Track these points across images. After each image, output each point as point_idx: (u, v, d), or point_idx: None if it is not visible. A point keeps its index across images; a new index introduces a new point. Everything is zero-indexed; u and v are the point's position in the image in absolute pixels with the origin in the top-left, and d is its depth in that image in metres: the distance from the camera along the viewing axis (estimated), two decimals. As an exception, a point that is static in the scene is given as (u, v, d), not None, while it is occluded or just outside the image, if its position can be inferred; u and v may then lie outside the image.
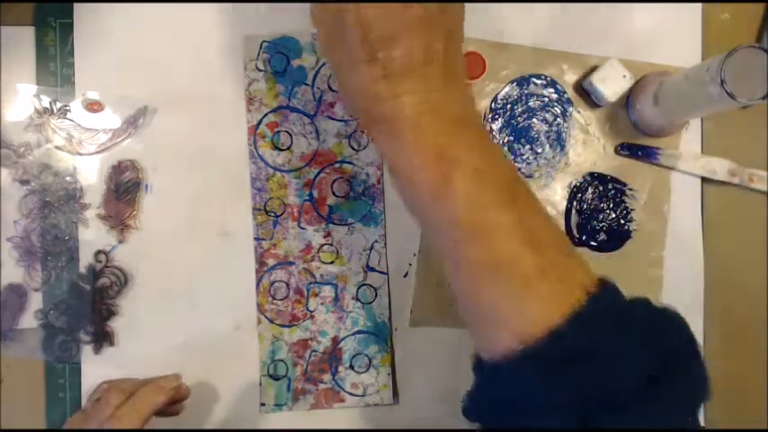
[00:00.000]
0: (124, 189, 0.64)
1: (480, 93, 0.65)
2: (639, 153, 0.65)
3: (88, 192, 0.64)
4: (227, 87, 0.64)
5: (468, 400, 0.46)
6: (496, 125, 0.65)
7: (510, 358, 0.41)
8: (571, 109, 0.66)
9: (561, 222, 0.66)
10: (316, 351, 0.65)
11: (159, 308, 0.65)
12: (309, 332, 0.65)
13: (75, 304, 0.64)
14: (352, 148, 0.65)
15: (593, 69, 0.64)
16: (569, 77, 0.66)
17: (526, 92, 0.66)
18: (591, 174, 0.66)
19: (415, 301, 0.66)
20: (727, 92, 0.50)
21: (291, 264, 0.65)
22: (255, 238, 0.65)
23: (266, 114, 0.65)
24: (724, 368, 0.66)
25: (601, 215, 0.66)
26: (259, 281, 0.65)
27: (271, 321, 0.65)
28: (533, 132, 0.66)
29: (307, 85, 0.65)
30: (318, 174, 0.65)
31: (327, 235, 0.65)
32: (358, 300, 0.66)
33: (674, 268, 0.66)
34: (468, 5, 0.64)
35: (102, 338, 0.64)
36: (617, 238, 0.66)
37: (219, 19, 0.64)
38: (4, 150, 0.63)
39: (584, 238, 0.66)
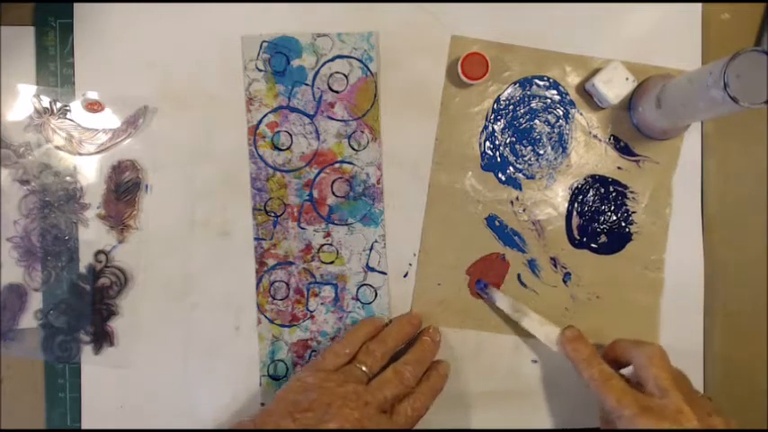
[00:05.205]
0: (124, 189, 0.64)
1: (483, 94, 0.65)
2: None
3: (88, 192, 0.64)
4: (227, 87, 0.64)
5: None
6: (499, 126, 0.65)
7: None
8: (573, 111, 0.65)
9: (562, 224, 0.66)
10: (316, 351, 0.65)
11: (159, 308, 0.65)
12: (309, 332, 0.65)
13: (75, 304, 0.64)
14: (352, 148, 0.65)
15: (596, 71, 0.64)
16: (572, 79, 0.65)
17: (529, 93, 0.65)
18: (592, 176, 0.66)
19: (415, 300, 0.66)
20: (730, 96, 0.50)
21: (291, 264, 0.65)
22: (255, 238, 0.65)
23: (266, 114, 0.64)
24: (724, 368, 0.66)
25: (602, 217, 0.66)
26: (259, 281, 0.65)
27: (271, 321, 0.65)
28: (535, 134, 0.65)
29: (307, 85, 0.64)
30: (318, 174, 0.65)
31: (327, 235, 0.65)
32: (358, 300, 0.66)
33: (674, 270, 0.66)
34: (471, 5, 0.65)
35: (102, 338, 0.64)
36: (618, 240, 0.66)
37: (219, 19, 0.64)
38: (4, 150, 0.63)
39: (584, 239, 0.66)
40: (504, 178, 0.66)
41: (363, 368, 0.60)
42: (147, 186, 0.64)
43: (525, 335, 0.66)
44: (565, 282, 0.66)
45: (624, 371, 0.59)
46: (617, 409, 0.54)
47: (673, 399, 0.53)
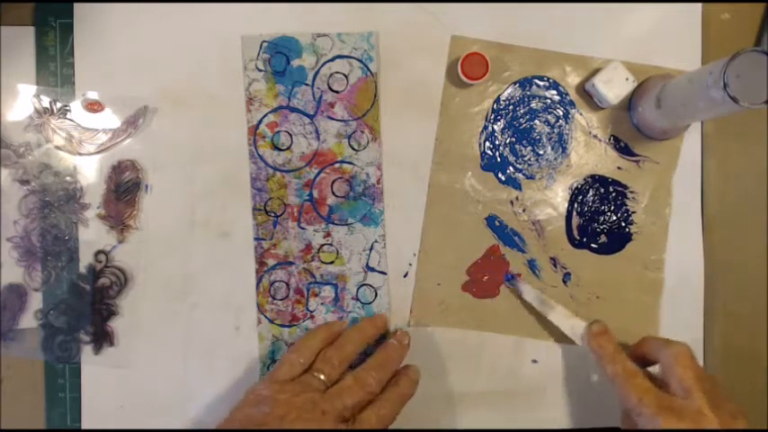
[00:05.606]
0: (124, 189, 0.64)
1: (483, 94, 0.65)
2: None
3: (88, 192, 0.64)
4: (227, 87, 0.64)
5: None
6: (498, 126, 0.65)
7: None
8: (573, 111, 0.65)
9: (562, 224, 0.66)
10: (315, 351, 0.65)
11: (159, 308, 0.65)
12: (309, 332, 0.66)
13: (75, 304, 0.64)
14: (352, 148, 0.65)
15: (596, 71, 0.64)
16: (572, 79, 0.65)
17: (529, 93, 0.65)
18: (592, 176, 0.66)
19: (415, 301, 0.66)
20: (729, 96, 0.50)
21: (291, 264, 0.65)
22: (255, 238, 0.65)
23: (266, 114, 0.64)
24: (724, 369, 0.66)
25: (602, 217, 0.66)
26: (259, 281, 0.65)
27: (271, 321, 0.65)
28: (535, 134, 0.65)
29: (307, 85, 0.64)
30: (318, 174, 0.65)
31: (327, 235, 0.65)
32: (358, 300, 0.66)
33: (674, 270, 0.66)
34: (471, 5, 0.65)
35: (102, 338, 0.64)
36: (618, 240, 0.66)
37: (219, 19, 0.64)
38: (4, 150, 0.63)
39: (584, 239, 0.66)
40: (503, 178, 0.65)
41: (321, 377, 0.58)
42: (147, 186, 0.64)
43: (525, 334, 0.66)
44: (565, 282, 0.66)
45: (652, 369, 0.59)
46: (638, 407, 0.54)
47: (695, 400, 0.52)
